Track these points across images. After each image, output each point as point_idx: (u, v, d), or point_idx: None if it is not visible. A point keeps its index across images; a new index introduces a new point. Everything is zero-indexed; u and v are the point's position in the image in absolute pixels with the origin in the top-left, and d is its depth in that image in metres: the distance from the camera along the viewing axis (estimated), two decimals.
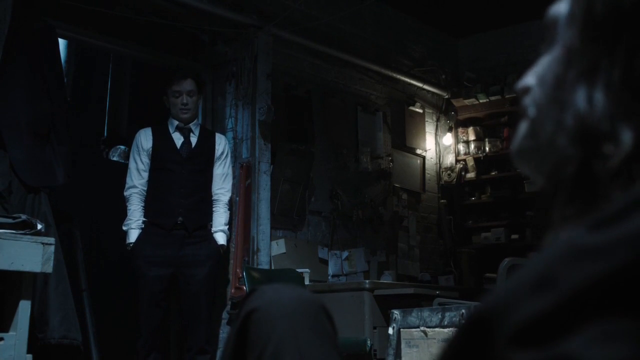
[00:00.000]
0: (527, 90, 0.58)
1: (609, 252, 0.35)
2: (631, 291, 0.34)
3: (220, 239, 4.01)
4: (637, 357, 0.32)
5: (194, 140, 4.07)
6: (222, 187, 4.10)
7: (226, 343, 0.97)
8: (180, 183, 3.94)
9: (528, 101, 0.56)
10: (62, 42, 4.68)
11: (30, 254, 2.56)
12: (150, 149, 3.97)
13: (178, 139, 4.04)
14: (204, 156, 4.08)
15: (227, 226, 4.12)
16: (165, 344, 4.14)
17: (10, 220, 2.68)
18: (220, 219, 4.05)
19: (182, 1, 4.34)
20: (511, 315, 0.36)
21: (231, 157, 4.32)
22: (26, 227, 2.69)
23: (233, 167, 4.64)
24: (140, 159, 3.97)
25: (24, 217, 2.74)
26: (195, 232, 3.93)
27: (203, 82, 4.33)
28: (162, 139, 4.02)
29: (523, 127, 0.57)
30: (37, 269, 2.59)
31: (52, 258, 2.64)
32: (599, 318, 0.34)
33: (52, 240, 2.67)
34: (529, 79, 0.58)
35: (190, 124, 4.09)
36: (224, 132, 4.74)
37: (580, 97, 0.48)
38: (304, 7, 5.09)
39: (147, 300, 3.79)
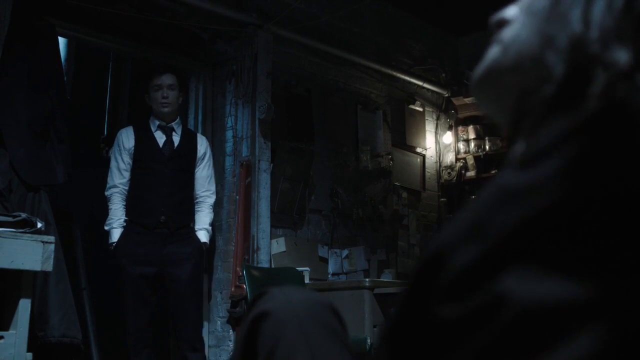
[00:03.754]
0: (504, 22, 0.55)
1: (534, 193, 0.35)
2: (556, 231, 0.34)
3: (203, 236, 4.00)
4: (565, 294, 0.32)
5: (176, 139, 4.06)
6: (207, 189, 4.11)
7: (235, 347, 0.97)
8: (163, 182, 3.92)
9: (505, 30, 0.53)
10: (62, 41, 4.67)
11: (30, 252, 2.56)
12: (132, 148, 3.95)
13: (160, 137, 4.03)
14: (187, 156, 4.07)
15: (211, 226, 4.11)
16: (164, 342, 4.14)
17: (10, 219, 2.68)
18: (204, 218, 4.05)
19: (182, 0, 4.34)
20: (444, 267, 0.36)
21: (211, 158, 4.27)
22: (26, 226, 2.69)
23: (233, 165, 4.64)
24: (122, 158, 3.95)
25: (24, 215, 2.74)
26: (177, 231, 3.92)
27: (184, 78, 4.31)
28: (144, 138, 4.00)
29: (494, 50, 0.54)
30: (37, 267, 2.59)
31: (52, 256, 2.64)
32: (526, 259, 0.34)
33: (52, 238, 2.67)
34: (510, 11, 0.55)
35: (173, 124, 4.08)
36: (224, 131, 4.74)
37: (576, 16, 0.45)
38: (304, 6, 5.08)
39: (133, 298, 3.79)
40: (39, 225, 2.73)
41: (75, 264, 3.72)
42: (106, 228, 3.87)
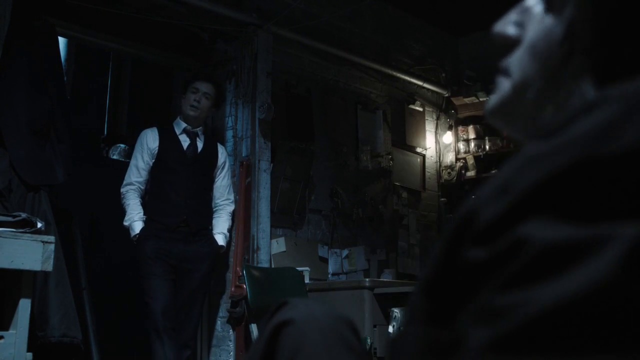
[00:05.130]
0: (507, 39, 0.58)
1: (551, 157, 0.42)
2: (570, 186, 0.40)
3: (221, 240, 4.11)
4: (575, 234, 0.39)
5: (200, 144, 4.15)
6: (227, 198, 4.25)
7: (253, 352, 0.98)
8: (186, 184, 4.00)
9: (513, 61, 0.57)
10: (62, 41, 4.67)
11: (30, 252, 2.56)
12: (157, 149, 4.02)
13: (184, 141, 4.11)
14: (208, 162, 4.17)
15: (229, 232, 4.22)
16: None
17: (10, 219, 2.68)
18: (223, 224, 4.17)
19: None
20: (475, 220, 0.43)
21: (230, 168, 4.38)
22: (26, 226, 2.68)
23: (233, 165, 4.65)
24: (143, 158, 4.01)
25: (24, 215, 2.74)
26: (198, 232, 4.02)
27: (223, 96, 4.36)
28: (168, 140, 4.08)
29: (505, 87, 0.58)
30: (37, 267, 2.59)
31: (52, 256, 2.64)
32: (545, 210, 0.40)
33: (52, 238, 2.67)
34: (510, 27, 0.59)
35: (197, 129, 4.16)
36: (224, 131, 4.74)
37: (582, 91, 0.51)
38: (304, 6, 5.08)
39: (155, 283, 3.81)
40: (39, 225, 2.73)
41: (75, 264, 3.72)
42: (126, 223, 3.91)
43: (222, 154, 4.27)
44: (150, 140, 4.04)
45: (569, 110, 0.45)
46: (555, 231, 0.39)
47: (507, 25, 0.60)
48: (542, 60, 0.54)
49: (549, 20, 0.55)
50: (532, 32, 0.57)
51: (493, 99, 0.60)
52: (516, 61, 0.58)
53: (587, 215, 0.39)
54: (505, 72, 0.58)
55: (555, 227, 0.39)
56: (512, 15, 0.60)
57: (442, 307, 0.44)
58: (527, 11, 0.58)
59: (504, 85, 0.59)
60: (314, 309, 0.95)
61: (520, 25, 0.59)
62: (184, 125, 4.11)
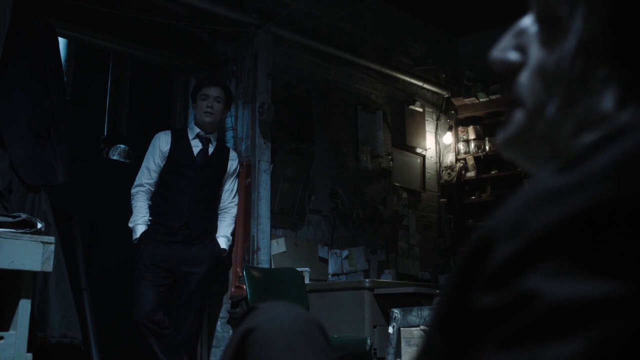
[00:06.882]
0: (508, 65, 0.55)
1: (570, 195, 0.37)
2: (587, 231, 0.36)
3: (223, 243, 4.14)
4: (589, 290, 0.34)
5: (211, 150, 4.19)
6: (232, 201, 4.30)
7: (223, 358, 0.99)
8: (192, 189, 4.04)
9: (522, 88, 0.53)
10: (62, 41, 4.67)
11: (30, 252, 2.56)
12: (167, 152, 4.06)
13: (196, 146, 4.15)
14: (217, 168, 4.20)
15: (231, 237, 4.25)
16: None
17: (10, 219, 2.68)
18: (227, 227, 4.21)
19: (182, 0, 4.34)
20: (488, 257, 0.39)
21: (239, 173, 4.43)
22: (26, 226, 2.68)
23: None
24: (154, 160, 4.06)
25: (24, 215, 2.74)
26: (199, 236, 4.04)
27: (231, 96, 4.38)
28: (180, 144, 4.12)
29: (519, 116, 0.54)
30: (37, 267, 2.59)
31: (52, 257, 2.64)
32: (559, 257, 0.36)
33: (52, 239, 2.67)
34: (511, 53, 0.55)
35: (210, 135, 4.20)
36: (224, 131, 4.74)
37: (607, 101, 0.46)
38: (304, 6, 5.08)
39: (146, 285, 3.83)
40: (39, 225, 2.73)
41: (75, 264, 3.72)
42: (130, 225, 3.96)
43: (234, 160, 4.31)
44: (162, 143, 4.08)
45: (585, 142, 0.41)
46: (567, 286, 0.35)
47: (506, 51, 0.55)
48: (555, 81, 0.50)
49: (554, 37, 0.51)
50: (537, 53, 0.52)
51: (506, 131, 0.56)
52: (525, 87, 0.53)
53: (605, 267, 0.35)
54: (515, 102, 0.54)
55: (568, 281, 0.35)
56: (509, 40, 0.56)
57: (456, 349, 0.41)
58: (523, 33, 0.54)
59: (517, 115, 0.54)
60: (281, 314, 0.96)
61: (520, 49, 0.54)
62: (197, 130, 4.16)
